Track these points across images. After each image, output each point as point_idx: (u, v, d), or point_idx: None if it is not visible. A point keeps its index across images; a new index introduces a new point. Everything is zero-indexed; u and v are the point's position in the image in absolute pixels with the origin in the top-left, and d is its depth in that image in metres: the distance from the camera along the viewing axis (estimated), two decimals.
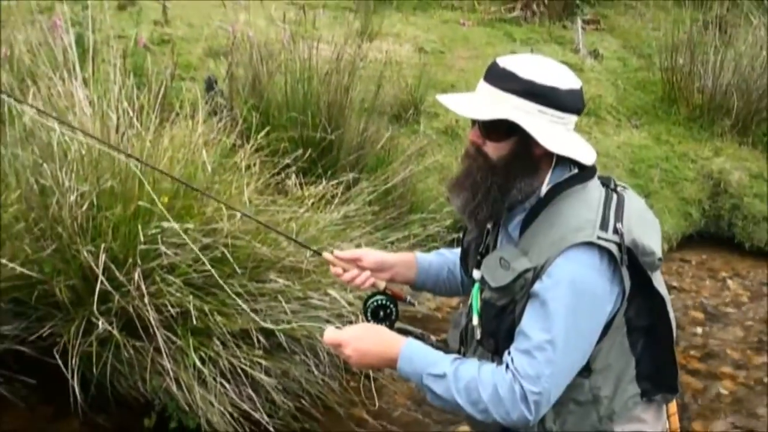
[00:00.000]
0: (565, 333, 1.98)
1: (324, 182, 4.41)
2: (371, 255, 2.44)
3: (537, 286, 2.00)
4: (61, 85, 3.96)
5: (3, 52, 4.65)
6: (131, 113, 3.89)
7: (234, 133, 4.37)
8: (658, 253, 2.07)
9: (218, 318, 3.37)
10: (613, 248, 1.99)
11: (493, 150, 2.09)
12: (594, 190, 2.12)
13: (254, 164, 4.19)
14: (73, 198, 3.45)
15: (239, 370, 3.38)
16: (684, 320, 5.39)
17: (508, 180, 2.09)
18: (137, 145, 3.77)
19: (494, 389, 2.01)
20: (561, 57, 7.89)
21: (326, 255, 2.43)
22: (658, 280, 2.13)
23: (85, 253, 3.39)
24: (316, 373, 3.68)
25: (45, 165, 3.59)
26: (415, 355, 2.10)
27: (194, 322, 3.29)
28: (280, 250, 3.73)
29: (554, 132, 2.04)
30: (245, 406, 3.36)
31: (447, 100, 2.12)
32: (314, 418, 3.56)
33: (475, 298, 2.20)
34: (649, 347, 2.14)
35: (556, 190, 2.10)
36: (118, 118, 3.83)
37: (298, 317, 3.55)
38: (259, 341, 3.44)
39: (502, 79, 2.04)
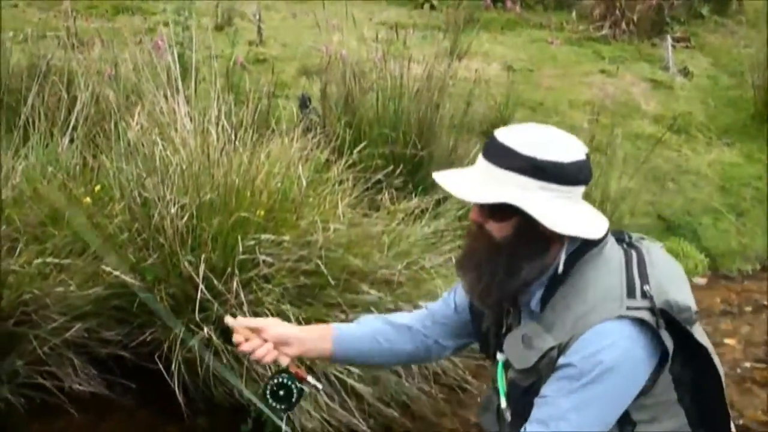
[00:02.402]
0: (586, 410, 1.90)
1: (415, 198, 4.48)
2: (274, 328, 2.29)
3: (562, 360, 1.92)
4: (164, 102, 4.12)
5: (109, 71, 4.84)
6: (230, 129, 4.03)
7: (327, 149, 4.48)
8: (694, 307, 1.98)
9: None
10: (646, 315, 1.90)
11: (497, 230, 1.99)
12: (612, 251, 2.04)
13: (347, 179, 4.28)
14: (174, 210, 3.59)
15: (333, 378, 3.46)
16: None
17: (514, 261, 1.99)
18: (235, 159, 3.89)
19: None
20: (650, 75, 7.85)
21: (228, 319, 2.31)
22: (699, 332, 2.03)
23: (186, 263, 3.52)
24: (406, 384, 3.74)
25: (148, 178, 3.75)
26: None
27: None
28: (373, 263, 3.81)
29: (559, 209, 1.94)
30: (340, 413, 3.43)
31: (443, 179, 2.02)
32: (405, 427, 3.61)
33: (501, 380, 2.12)
34: (697, 399, 2.04)
35: (572, 261, 2.00)
36: (217, 135, 3.97)
37: None
38: None
39: (502, 156, 1.94)
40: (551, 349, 1.94)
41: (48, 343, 3.42)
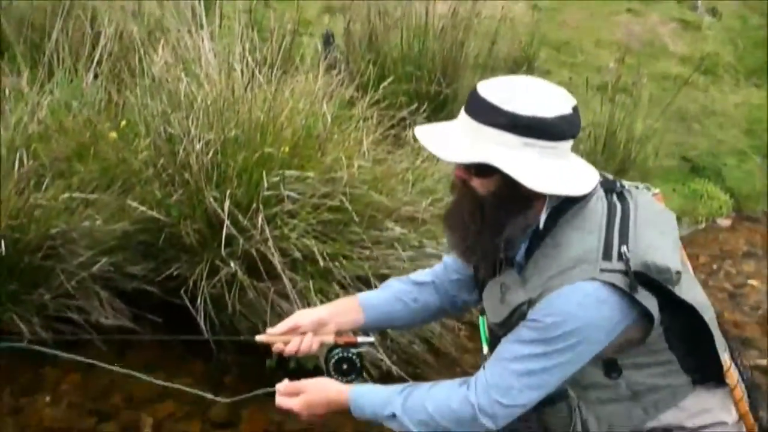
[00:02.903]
0: (548, 360, 1.90)
1: None
2: (305, 317, 2.29)
3: (529, 315, 1.92)
4: (189, 38, 4.10)
5: (132, 6, 4.82)
6: (254, 66, 4.01)
7: (351, 86, 4.45)
8: (675, 267, 1.91)
9: (340, 262, 3.47)
10: (618, 279, 1.86)
11: (480, 186, 1.94)
12: (597, 206, 1.98)
13: (371, 116, 4.26)
14: (199, 146, 3.59)
15: None
16: None
17: (498, 217, 1.95)
18: (260, 95, 3.88)
19: (448, 409, 1.96)
20: (678, 14, 7.74)
21: (260, 338, 2.29)
22: (685, 287, 1.97)
23: (211, 199, 3.54)
24: None
25: (173, 114, 3.75)
26: (365, 404, 2.06)
27: (321, 264, 3.40)
28: (397, 200, 3.81)
29: (542, 166, 1.88)
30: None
31: (423, 135, 1.97)
32: (428, 363, 3.63)
33: (483, 328, 2.14)
34: (689, 347, 2.03)
35: (554, 217, 1.96)
36: (242, 71, 3.95)
37: (413, 265, 3.62)
38: (376, 287, 3.52)
39: (483, 111, 1.87)
40: (522, 304, 1.94)
41: (75, 276, 3.45)
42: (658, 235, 1.97)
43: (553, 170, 1.89)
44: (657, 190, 2.19)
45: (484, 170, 1.90)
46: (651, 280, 1.88)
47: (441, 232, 3.76)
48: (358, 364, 2.25)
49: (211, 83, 3.87)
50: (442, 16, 5.40)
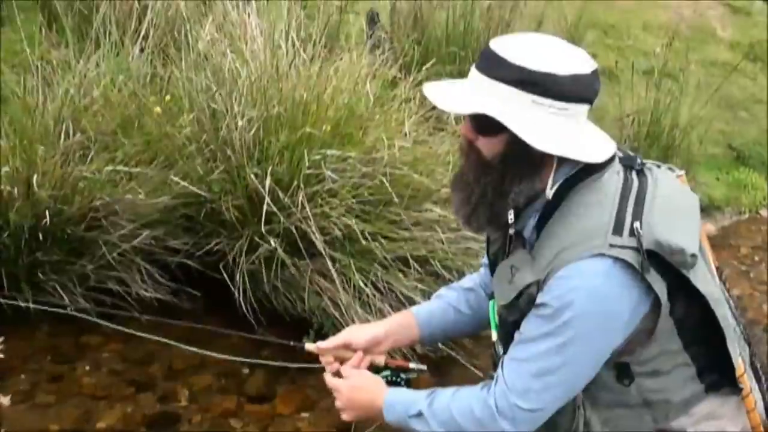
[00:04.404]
0: (564, 354, 1.77)
1: None
2: (359, 335, 2.17)
3: (539, 299, 1.77)
4: (235, 14, 4.12)
5: None
6: (299, 44, 4.02)
7: (395, 66, 4.45)
8: (691, 249, 1.76)
9: (380, 241, 3.49)
10: (629, 256, 1.72)
11: (486, 146, 1.81)
12: (611, 180, 1.84)
13: (414, 97, 4.26)
14: (242, 123, 3.61)
15: (397, 294, 3.50)
16: None
17: (504, 181, 1.81)
18: (304, 73, 3.89)
19: (470, 413, 1.86)
20: (729, 0, 7.64)
21: (309, 347, 2.18)
22: (701, 276, 1.83)
23: (252, 176, 3.56)
24: None
25: (217, 90, 3.77)
26: (396, 401, 1.97)
27: (361, 243, 3.43)
28: (437, 182, 3.81)
29: (551, 126, 1.75)
30: None
31: (430, 89, 1.85)
32: (462, 346, 3.64)
33: (493, 313, 2.01)
34: (704, 345, 1.87)
35: (566, 188, 1.81)
36: (286, 49, 3.97)
37: (452, 247, 3.63)
38: (415, 268, 3.54)
39: (491, 65, 1.75)
40: (529, 285, 1.80)
41: (117, 249, 3.51)
42: (675, 215, 1.83)
43: (562, 132, 1.77)
44: (681, 172, 2.05)
45: (489, 128, 1.78)
46: (663, 261, 1.74)
47: None
48: (405, 384, 2.15)
49: (256, 60, 3.89)
50: None
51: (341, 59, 4.21)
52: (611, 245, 1.72)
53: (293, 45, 4.00)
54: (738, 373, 1.89)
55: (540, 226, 1.84)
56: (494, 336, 1.99)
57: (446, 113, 4.41)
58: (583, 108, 1.79)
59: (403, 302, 3.47)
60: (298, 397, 3.42)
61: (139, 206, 3.56)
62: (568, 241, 1.76)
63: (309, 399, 3.39)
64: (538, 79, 1.72)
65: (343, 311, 3.45)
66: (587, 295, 1.73)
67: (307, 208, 3.41)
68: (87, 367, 3.46)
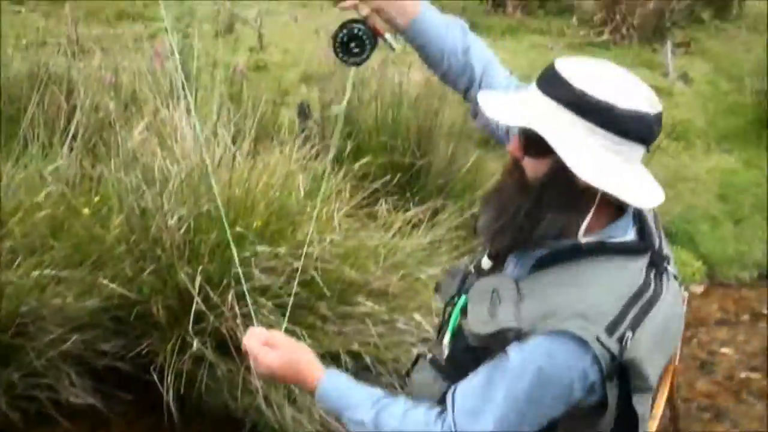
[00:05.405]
0: (514, 410, 1.71)
1: (412, 207, 4.49)
2: None
3: (510, 352, 1.70)
4: (165, 111, 4.15)
5: (109, 78, 4.87)
6: (229, 139, 4.06)
7: (326, 160, 4.49)
8: (653, 382, 1.74)
9: (308, 340, 3.48)
10: (605, 359, 1.66)
11: (531, 167, 1.75)
12: (635, 271, 1.77)
13: (345, 189, 4.30)
14: (172, 221, 3.62)
15: None
16: None
17: (539, 207, 1.74)
18: (235, 170, 3.91)
19: None
20: (650, 80, 7.78)
21: None
22: (642, 400, 1.77)
23: (182, 275, 3.55)
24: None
25: (147, 189, 3.77)
26: (333, 389, 1.90)
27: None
28: (369, 274, 3.84)
29: (600, 159, 1.67)
30: (334, 425, 3.46)
31: (484, 98, 1.81)
32: None
33: (455, 316, 1.89)
34: None
35: (598, 249, 1.75)
36: (217, 144, 4.00)
37: (384, 340, 3.64)
38: (346, 363, 3.54)
39: (552, 84, 1.70)
40: (509, 330, 1.70)
41: (45, 354, 3.45)
42: (661, 344, 1.77)
43: (611, 167, 1.69)
44: (686, 294, 2.04)
45: (537, 148, 1.71)
46: (623, 374, 1.70)
47: (412, 306, 3.79)
48: (364, 56, 2.01)
49: (186, 158, 3.91)
50: (417, 84, 5.46)
51: (272, 153, 4.25)
52: (597, 339, 1.66)
53: (223, 141, 4.04)
54: None
55: (541, 263, 1.79)
56: (446, 339, 1.90)
57: (378, 204, 4.47)
58: (639, 149, 1.73)
59: None
60: None
61: (68, 310, 3.52)
62: (564, 309, 1.69)
63: None
64: (596, 107, 1.66)
65: (275, 410, 3.43)
66: (549, 372, 1.68)
67: (236, 307, 3.41)
68: None
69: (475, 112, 2.11)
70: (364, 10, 1.99)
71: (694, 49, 8.93)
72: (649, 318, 1.72)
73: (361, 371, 3.62)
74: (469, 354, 1.80)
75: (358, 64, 2.02)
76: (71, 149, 4.25)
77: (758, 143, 7.45)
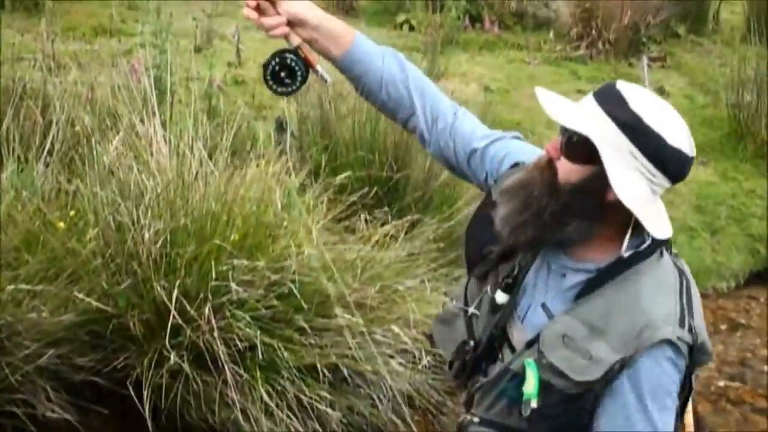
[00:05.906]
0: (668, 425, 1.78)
1: (390, 220, 4.50)
2: (291, 4, 1.99)
3: (622, 386, 1.76)
4: (140, 126, 4.14)
5: (85, 94, 4.86)
6: (206, 154, 4.05)
7: (303, 172, 4.50)
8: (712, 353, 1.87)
9: (285, 353, 3.48)
10: (685, 351, 1.78)
11: (565, 170, 1.81)
12: (668, 268, 1.88)
13: (322, 202, 4.31)
14: (148, 235, 3.60)
15: (305, 404, 3.48)
16: (751, 358, 5.34)
17: (565, 211, 1.81)
18: (212, 183, 3.91)
19: None
20: None
21: None
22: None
23: (159, 289, 3.54)
24: (380, 407, 3.76)
25: (122, 203, 3.76)
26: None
27: (261, 356, 3.40)
28: (346, 286, 3.83)
29: (634, 183, 1.76)
30: None
31: (543, 96, 1.85)
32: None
33: (536, 379, 1.82)
34: None
35: (638, 257, 1.83)
36: (193, 158, 3.99)
37: (362, 352, 3.64)
38: (324, 376, 3.53)
39: (610, 100, 1.77)
40: (616, 363, 1.75)
41: (21, 369, 3.41)
42: (702, 317, 1.89)
43: (645, 194, 1.77)
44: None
45: (578, 155, 1.79)
46: (694, 359, 1.82)
47: (389, 318, 3.79)
48: (296, 86, 2.00)
49: (162, 172, 3.90)
50: None
51: (249, 167, 4.24)
52: (679, 338, 1.77)
53: (200, 155, 4.03)
54: None
55: (587, 290, 1.83)
56: (534, 404, 1.82)
57: (356, 218, 4.47)
58: (666, 185, 1.81)
59: (312, 412, 3.46)
60: None
61: (43, 324, 3.49)
62: (644, 321, 1.76)
63: None
64: (647, 134, 1.74)
65: (252, 423, 3.42)
66: (660, 387, 1.76)
67: (213, 321, 3.40)
68: None
69: (425, 141, 2.16)
70: (296, 40, 1.99)
71: (670, 64, 9.01)
72: (693, 298, 1.85)
73: (340, 384, 3.63)
74: (567, 404, 1.80)
75: (288, 94, 2.02)
76: (47, 164, 4.23)
77: (734, 155, 7.54)
